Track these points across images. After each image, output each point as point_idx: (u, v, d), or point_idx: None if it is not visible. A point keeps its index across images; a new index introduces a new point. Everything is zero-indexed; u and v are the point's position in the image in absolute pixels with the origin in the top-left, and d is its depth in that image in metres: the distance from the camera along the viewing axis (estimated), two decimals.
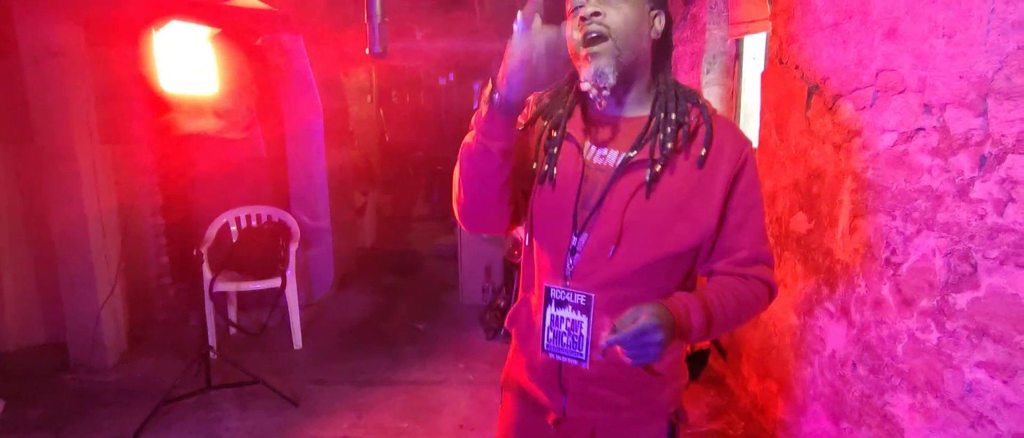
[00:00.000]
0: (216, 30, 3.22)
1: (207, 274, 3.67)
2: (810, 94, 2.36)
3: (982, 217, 1.55)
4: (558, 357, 1.27)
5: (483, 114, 1.12)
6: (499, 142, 1.13)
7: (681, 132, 1.20)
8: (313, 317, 4.43)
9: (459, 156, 1.22)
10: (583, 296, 1.22)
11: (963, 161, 1.62)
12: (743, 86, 3.65)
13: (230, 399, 3.20)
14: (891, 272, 1.91)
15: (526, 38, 1.05)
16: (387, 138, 7.70)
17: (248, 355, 3.72)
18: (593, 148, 1.25)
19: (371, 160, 7.11)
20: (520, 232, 1.36)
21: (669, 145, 1.18)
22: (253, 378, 3.24)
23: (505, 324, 1.43)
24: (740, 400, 3.07)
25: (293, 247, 3.95)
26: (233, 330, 4.03)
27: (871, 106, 2.01)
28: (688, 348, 3.36)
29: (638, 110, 1.25)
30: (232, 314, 4.07)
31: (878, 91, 1.97)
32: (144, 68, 3.09)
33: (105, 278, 3.54)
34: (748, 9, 3.16)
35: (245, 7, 2.84)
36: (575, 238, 1.24)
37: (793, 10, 2.48)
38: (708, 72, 3.74)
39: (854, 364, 2.11)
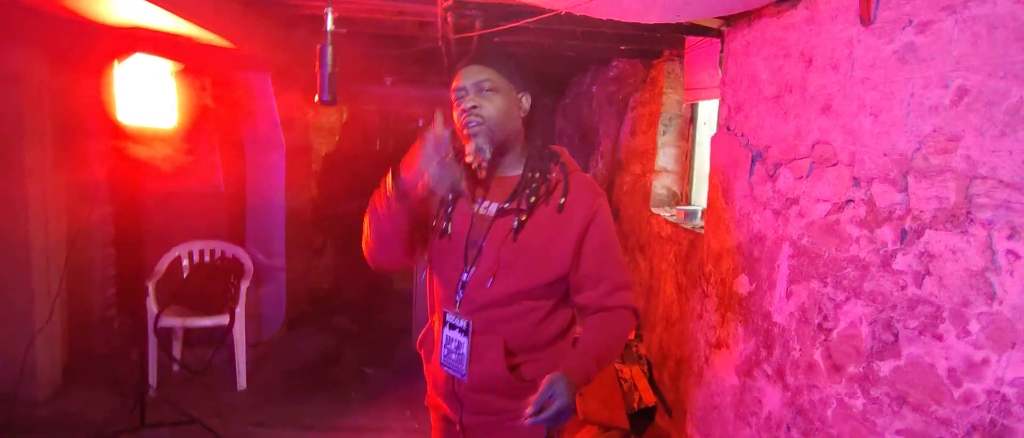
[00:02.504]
0: (180, 65, 3.23)
1: (152, 308, 3.59)
2: (754, 161, 2.46)
3: (903, 288, 1.62)
4: (448, 370, 1.59)
5: (389, 192, 1.45)
6: (400, 213, 1.47)
7: (543, 187, 1.52)
8: (260, 357, 4.34)
9: (368, 212, 1.53)
10: (465, 321, 1.55)
11: (887, 233, 1.69)
12: (696, 149, 3.77)
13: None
14: (823, 337, 1.97)
15: (438, 167, 1.39)
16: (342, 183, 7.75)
17: (189, 394, 3.62)
18: (480, 201, 1.59)
19: (335, 200, 7.09)
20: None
21: (532, 199, 1.51)
22: (191, 418, 3.15)
23: (416, 346, 1.75)
24: None
25: (244, 285, 3.89)
26: (176, 367, 3.92)
27: (808, 176, 2.09)
28: (634, 405, 3.38)
29: (513, 170, 1.60)
30: (177, 350, 3.97)
31: (814, 162, 2.06)
32: (105, 98, 3.07)
33: (44, 308, 3.43)
34: (702, 76, 3.29)
35: (211, 44, 2.86)
36: (466, 273, 1.54)
37: (740, 81, 2.59)
38: (664, 133, 3.85)
39: (788, 427, 2.14)
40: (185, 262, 4.00)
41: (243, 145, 4.42)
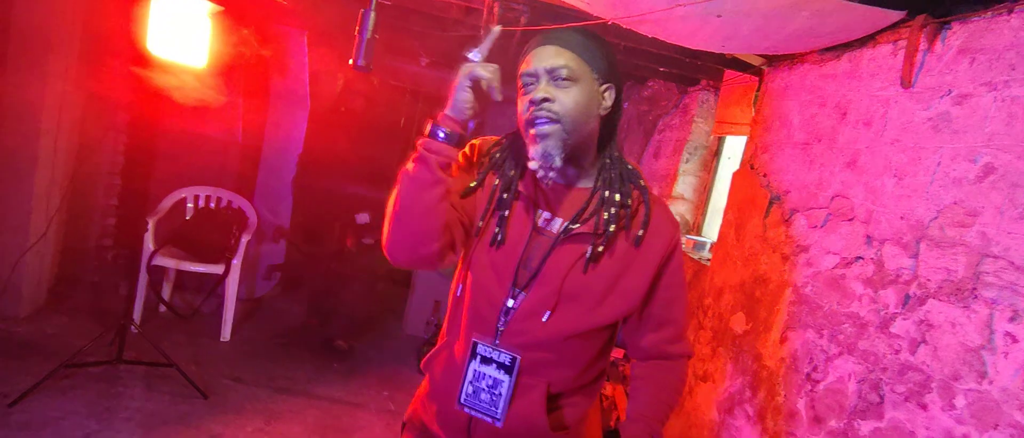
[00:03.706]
0: (219, 7, 3.24)
1: (149, 245, 3.59)
2: (771, 203, 2.45)
3: (897, 352, 1.61)
4: (473, 412, 1.29)
5: (426, 131, 1.20)
6: (440, 156, 1.18)
7: (625, 214, 1.26)
8: (248, 313, 4.35)
9: (397, 181, 1.24)
10: (509, 356, 1.26)
11: (890, 296, 1.68)
12: (716, 183, 3.76)
13: (138, 377, 3.09)
14: (809, 387, 1.96)
15: (476, 67, 1.15)
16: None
17: (172, 337, 3.62)
18: (539, 211, 1.30)
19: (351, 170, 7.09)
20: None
21: (612, 227, 1.24)
22: (168, 361, 3.14)
23: (421, 366, 1.44)
24: None
25: (246, 237, 3.90)
26: (163, 308, 3.93)
27: (822, 227, 2.09)
28: (611, 424, 3.36)
29: (583, 181, 1.31)
30: (166, 292, 3.98)
31: (831, 214, 2.05)
32: (136, 26, 3.08)
33: (40, 223, 3.41)
34: (734, 111, 3.29)
35: None
36: (512, 299, 1.27)
37: (771, 122, 2.59)
38: (687, 161, 3.84)
39: None
40: (189, 205, 4.01)
41: (268, 98, 4.43)
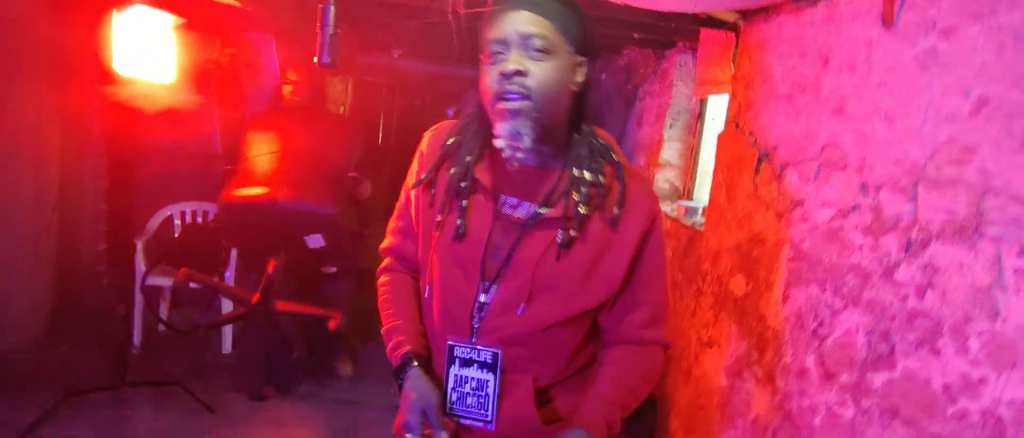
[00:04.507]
0: (182, 20, 3.17)
1: (141, 266, 3.56)
2: (760, 160, 2.41)
3: (903, 299, 1.58)
4: (463, 419, 1.23)
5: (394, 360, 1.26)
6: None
7: (597, 193, 1.17)
8: (248, 322, 4.31)
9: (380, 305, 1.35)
10: (490, 353, 1.19)
11: (891, 243, 1.65)
12: (702, 145, 3.72)
13: (145, 398, 3.07)
14: (817, 344, 1.93)
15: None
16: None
17: (173, 355, 3.60)
18: (504, 197, 1.21)
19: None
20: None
21: (583, 210, 1.15)
22: (172, 379, 3.11)
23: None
24: None
25: (235, 249, 3.85)
26: (161, 327, 3.89)
27: (814, 179, 2.05)
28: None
29: (552, 160, 1.21)
30: (164, 311, 3.94)
31: (822, 165, 2.01)
32: (102, 48, 3.01)
33: (29, 256, 3.38)
34: (713, 71, 3.23)
35: (215, 1, 2.80)
36: (483, 293, 1.20)
37: (752, 77, 2.54)
38: (671, 127, 3.80)
39: (774, 432, 2.11)
40: (177, 222, 3.96)
41: (243, 104, 4.35)
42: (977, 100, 1.42)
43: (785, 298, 2.13)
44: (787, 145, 2.23)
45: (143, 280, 3.51)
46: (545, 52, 1.11)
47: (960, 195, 1.45)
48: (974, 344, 1.37)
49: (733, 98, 2.73)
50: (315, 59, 1.53)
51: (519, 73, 1.09)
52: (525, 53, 1.11)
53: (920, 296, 1.53)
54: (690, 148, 3.83)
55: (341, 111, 7.20)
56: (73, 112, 3.55)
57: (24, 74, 3.18)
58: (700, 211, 3.37)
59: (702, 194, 3.70)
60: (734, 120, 2.67)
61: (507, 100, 1.10)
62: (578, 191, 1.16)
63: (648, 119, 4.18)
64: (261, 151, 3.30)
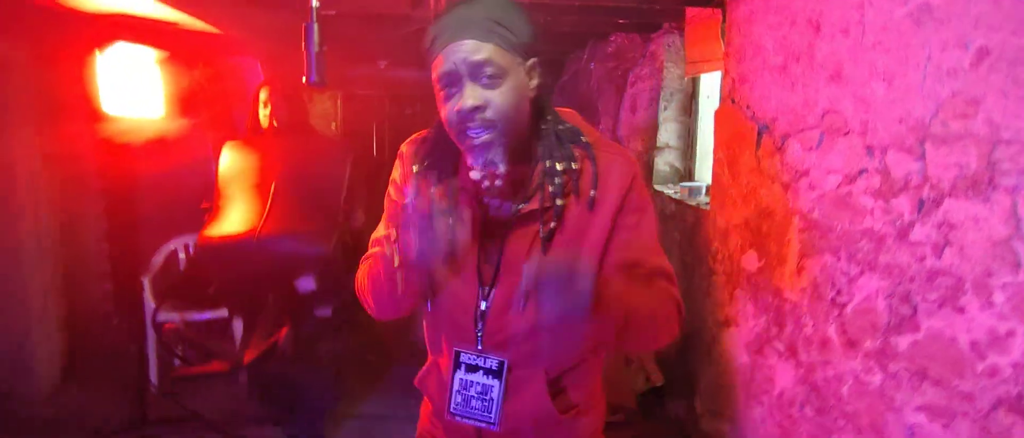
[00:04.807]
0: (165, 53, 3.15)
1: (150, 303, 3.54)
2: (760, 134, 2.39)
3: (921, 260, 1.56)
4: (465, 420, 1.26)
5: (395, 265, 1.12)
6: (410, 283, 1.15)
7: (570, 181, 1.17)
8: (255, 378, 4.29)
9: (367, 278, 1.23)
10: (496, 361, 1.21)
11: (903, 204, 1.63)
12: (699, 124, 3.70)
13: (168, 436, 3.06)
14: (837, 312, 1.91)
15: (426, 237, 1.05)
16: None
17: (191, 388, 3.57)
18: (485, 201, 1.21)
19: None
20: None
21: (560, 201, 1.15)
22: (192, 414, 3.10)
23: (416, 383, 1.39)
24: None
25: None
26: (177, 361, 3.87)
27: (817, 147, 2.02)
28: (641, 385, 3.33)
29: (523, 158, 1.20)
30: (178, 346, 3.92)
31: (824, 132, 1.99)
32: (89, 89, 2.99)
33: (38, 302, 3.37)
34: (703, 48, 3.21)
35: (196, 30, 2.78)
36: (484, 299, 1.20)
37: (744, 51, 2.51)
38: (665, 109, 3.78)
39: (801, 405, 2.09)
40: (181, 256, 3.94)
41: (234, 130, 4.34)
42: (977, 51, 1.40)
43: (800, 270, 2.11)
44: (786, 116, 2.20)
45: (154, 317, 3.50)
46: (498, 77, 1.08)
47: (969, 149, 1.43)
48: (998, 298, 1.35)
49: (726, 74, 2.71)
50: (304, 79, 1.51)
51: (477, 109, 1.08)
52: (478, 83, 1.08)
53: (938, 255, 1.51)
54: (687, 128, 3.81)
55: (333, 127, 7.19)
56: (66, 155, 3.53)
57: (13, 121, 3.16)
58: (704, 190, 3.34)
59: (704, 173, 3.67)
60: (729, 96, 2.65)
61: (472, 136, 1.10)
62: (552, 182, 1.16)
63: (641, 103, 4.15)
64: (240, 185, 2.97)
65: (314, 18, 1.50)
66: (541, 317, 0.97)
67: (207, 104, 3.98)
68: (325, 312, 3.15)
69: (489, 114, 1.08)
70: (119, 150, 3.50)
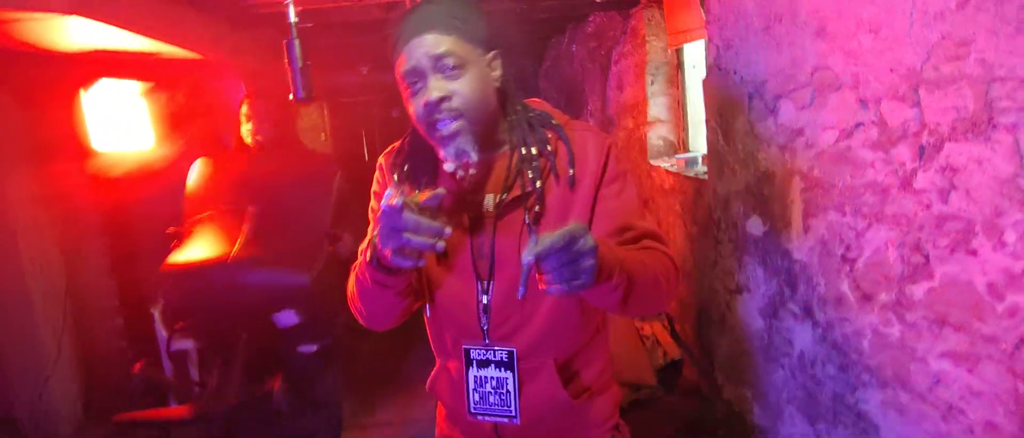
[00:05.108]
0: (149, 84, 3.13)
1: (162, 333, 3.53)
2: (751, 98, 2.37)
3: (928, 206, 1.56)
4: (487, 418, 1.27)
5: (375, 270, 1.11)
6: (394, 287, 1.15)
7: (547, 164, 1.20)
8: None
9: (355, 284, 1.22)
10: (505, 352, 1.23)
11: (904, 152, 1.62)
12: (688, 95, 3.68)
13: None
14: (848, 268, 1.91)
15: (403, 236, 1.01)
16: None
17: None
18: (469, 197, 1.24)
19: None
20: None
21: (539, 184, 1.18)
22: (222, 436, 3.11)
23: (426, 389, 1.41)
24: (717, 408, 3.05)
25: None
26: (196, 388, 3.87)
27: (810, 105, 2.02)
28: (660, 361, 3.34)
29: (498, 148, 1.24)
30: (194, 372, 3.92)
31: (815, 90, 1.98)
32: (77, 128, 2.98)
33: (51, 343, 3.39)
34: (684, 18, 3.19)
35: (177, 58, 2.76)
36: (484, 294, 1.22)
37: (725, 17, 2.50)
38: (652, 83, 3.76)
39: (823, 363, 2.10)
40: None
41: (223, 150, 4.32)
42: None
43: (806, 229, 2.10)
44: (775, 77, 2.19)
45: (168, 347, 3.49)
46: (460, 68, 1.12)
47: (964, 90, 1.42)
48: (1010, 236, 1.35)
49: (709, 42, 2.69)
50: (290, 96, 1.50)
51: (443, 100, 1.11)
52: (441, 75, 1.12)
53: (944, 200, 1.51)
54: (676, 100, 3.79)
55: (322, 139, 7.16)
56: (61, 194, 3.53)
57: (5, 165, 3.16)
58: (700, 160, 3.34)
59: (698, 143, 3.67)
60: (715, 63, 2.64)
61: (440, 128, 1.13)
62: (530, 167, 1.19)
63: (627, 80, 4.14)
64: (213, 207, 2.73)
65: (295, 34, 1.49)
66: (550, 291, 0.97)
67: (194, 124, 3.96)
68: (309, 349, 2.82)
69: (455, 103, 1.12)
70: (112, 184, 3.48)
